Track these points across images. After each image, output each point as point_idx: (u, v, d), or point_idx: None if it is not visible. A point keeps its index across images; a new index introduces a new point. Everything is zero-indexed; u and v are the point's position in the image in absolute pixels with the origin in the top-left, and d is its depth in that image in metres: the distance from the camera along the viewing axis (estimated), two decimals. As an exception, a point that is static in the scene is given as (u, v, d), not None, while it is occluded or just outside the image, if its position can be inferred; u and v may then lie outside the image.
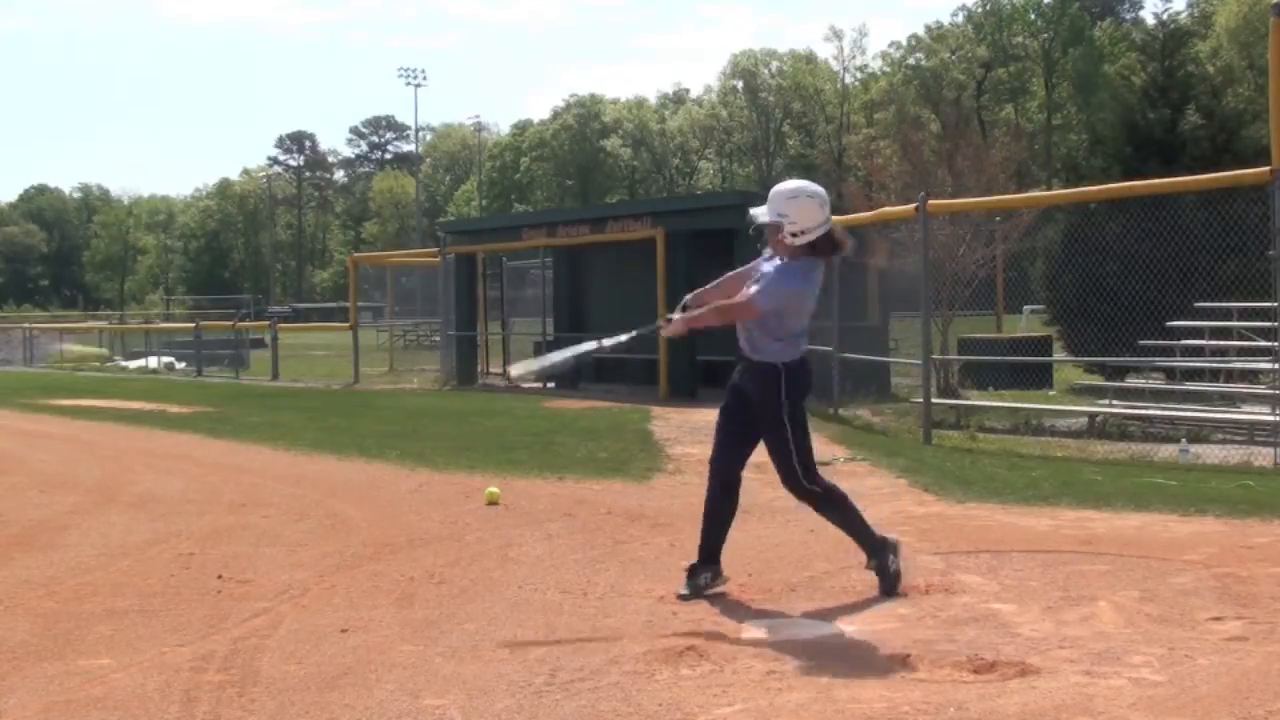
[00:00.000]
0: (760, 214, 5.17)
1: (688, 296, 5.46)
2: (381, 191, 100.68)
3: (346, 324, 25.68)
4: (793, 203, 5.12)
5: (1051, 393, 15.44)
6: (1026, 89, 77.83)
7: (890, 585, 5.24)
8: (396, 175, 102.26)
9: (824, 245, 5.18)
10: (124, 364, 31.83)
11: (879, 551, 5.29)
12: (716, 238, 16.55)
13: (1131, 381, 13.70)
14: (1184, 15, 61.55)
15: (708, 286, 5.48)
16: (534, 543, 6.65)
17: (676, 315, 5.33)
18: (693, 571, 5.34)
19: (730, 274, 5.48)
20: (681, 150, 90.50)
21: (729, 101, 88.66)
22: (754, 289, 5.19)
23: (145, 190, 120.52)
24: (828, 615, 4.99)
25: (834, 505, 5.35)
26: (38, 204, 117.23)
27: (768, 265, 5.26)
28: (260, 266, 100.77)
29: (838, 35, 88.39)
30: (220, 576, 5.93)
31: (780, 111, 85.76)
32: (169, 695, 4.09)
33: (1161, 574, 5.51)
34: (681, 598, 5.24)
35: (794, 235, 5.10)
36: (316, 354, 32.17)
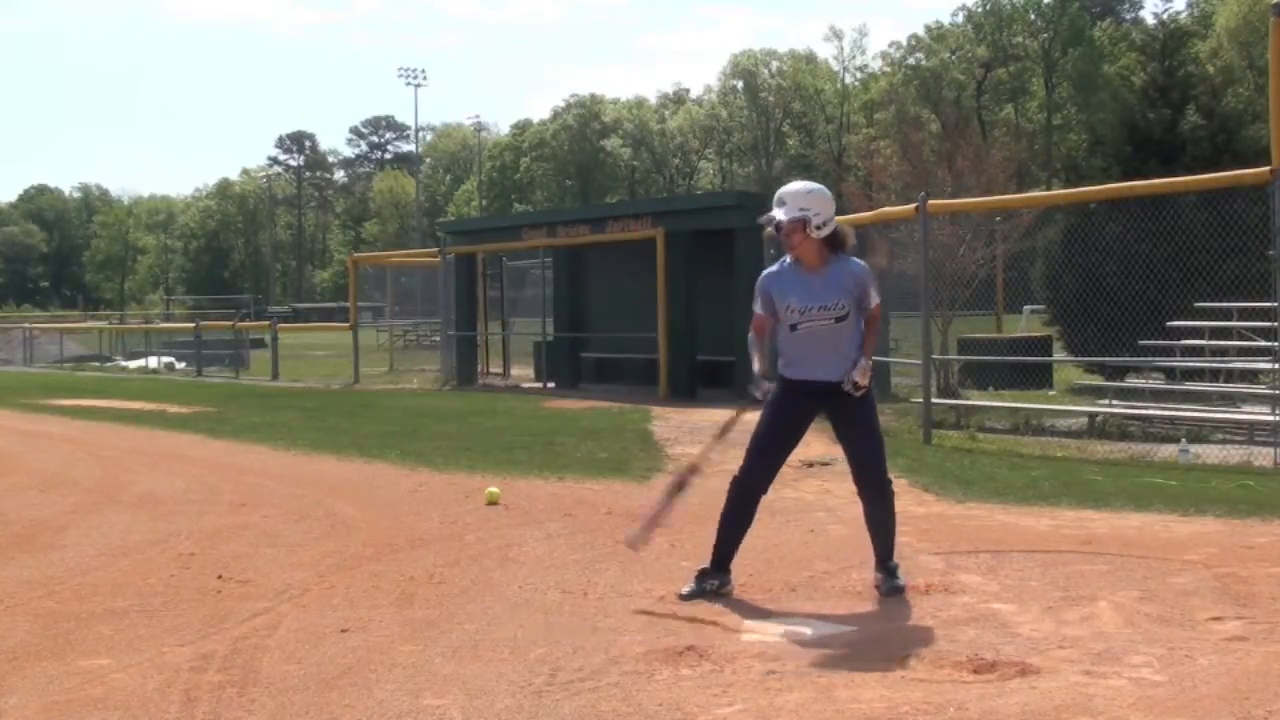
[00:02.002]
0: (779, 215, 5.18)
1: (762, 381, 5.31)
2: (381, 191, 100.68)
3: (346, 324, 25.68)
4: (810, 197, 5.22)
5: (1051, 393, 15.43)
6: (1026, 89, 77.83)
7: (894, 590, 5.24)
8: (396, 175, 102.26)
9: (835, 239, 5.26)
10: (124, 364, 31.82)
11: (893, 560, 5.36)
12: (716, 238, 16.57)
13: (1131, 381, 13.70)
14: (1184, 15, 61.61)
15: (760, 345, 5.35)
16: (534, 543, 6.64)
17: (858, 377, 5.18)
18: (702, 575, 5.35)
19: (760, 321, 5.35)
20: (681, 150, 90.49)
21: (729, 101, 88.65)
22: (874, 297, 5.26)
23: (145, 190, 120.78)
24: (828, 615, 4.99)
25: (892, 504, 5.43)
26: (38, 204, 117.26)
27: (831, 275, 5.21)
28: (260, 266, 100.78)
29: (837, 35, 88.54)
30: (220, 576, 5.93)
31: (780, 111, 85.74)
32: (169, 695, 4.09)
33: (1161, 574, 5.51)
34: (682, 597, 5.26)
35: (819, 227, 5.17)
36: (316, 354, 32.18)
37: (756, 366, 5.32)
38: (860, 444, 5.31)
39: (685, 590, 5.30)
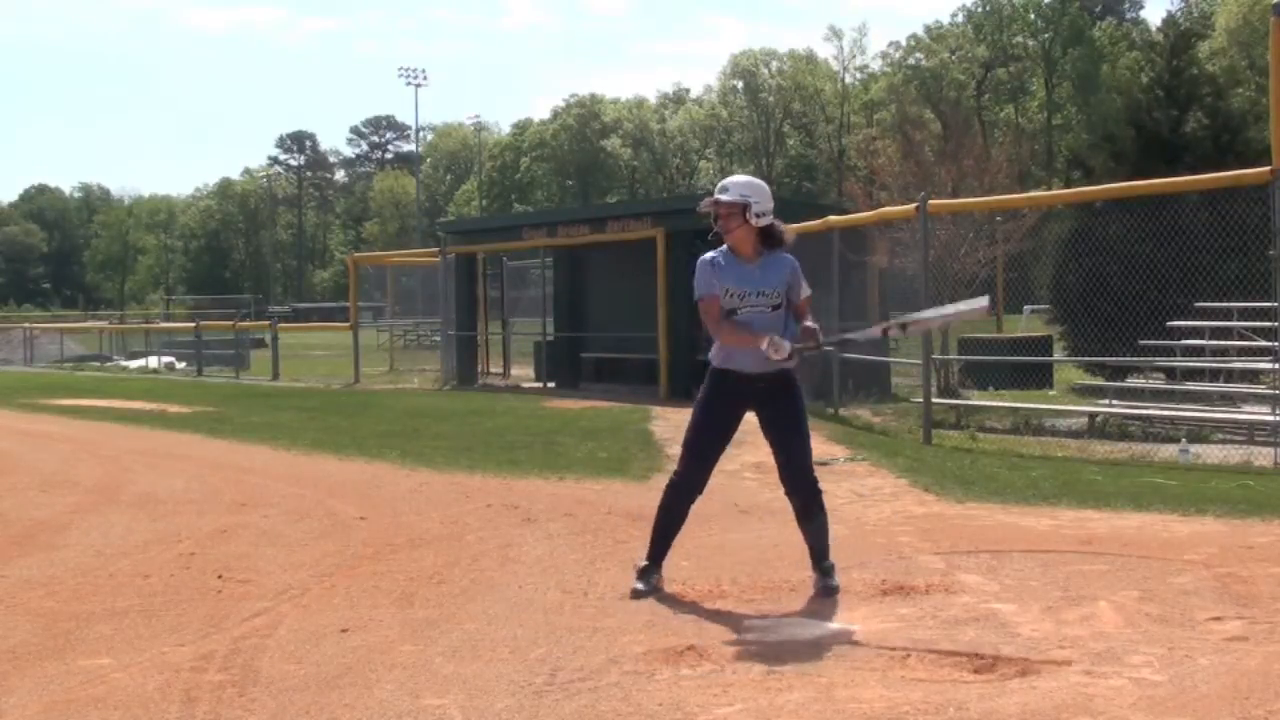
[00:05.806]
0: (722, 197, 5.27)
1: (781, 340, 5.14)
2: (382, 191, 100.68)
3: (347, 324, 25.68)
4: (752, 186, 5.34)
5: (1052, 393, 15.42)
6: (1026, 89, 77.85)
7: (829, 590, 5.29)
8: (397, 175, 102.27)
9: (772, 234, 5.32)
10: (124, 364, 31.82)
11: (828, 561, 5.40)
12: (716, 238, 16.56)
13: (1132, 381, 13.69)
14: (1179, 15, 61.58)
15: (730, 324, 5.27)
16: (534, 543, 6.64)
17: (771, 353, 5.12)
18: (645, 572, 5.42)
19: (714, 300, 5.29)
20: (681, 150, 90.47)
21: (729, 101, 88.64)
22: (805, 290, 5.37)
23: (145, 190, 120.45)
24: (828, 615, 4.99)
25: (822, 503, 5.44)
26: (38, 204, 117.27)
27: (756, 268, 5.27)
28: (261, 266, 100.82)
29: (837, 35, 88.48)
30: (220, 576, 5.93)
31: (780, 111, 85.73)
32: (169, 695, 4.09)
33: (1161, 574, 5.50)
34: (635, 595, 5.30)
35: (758, 215, 5.25)
36: (317, 354, 32.18)
37: (750, 339, 5.16)
38: (788, 442, 5.32)
39: (637, 588, 5.35)
